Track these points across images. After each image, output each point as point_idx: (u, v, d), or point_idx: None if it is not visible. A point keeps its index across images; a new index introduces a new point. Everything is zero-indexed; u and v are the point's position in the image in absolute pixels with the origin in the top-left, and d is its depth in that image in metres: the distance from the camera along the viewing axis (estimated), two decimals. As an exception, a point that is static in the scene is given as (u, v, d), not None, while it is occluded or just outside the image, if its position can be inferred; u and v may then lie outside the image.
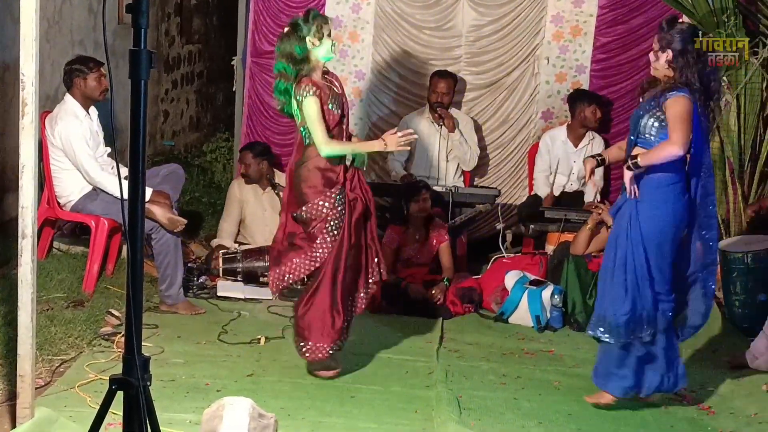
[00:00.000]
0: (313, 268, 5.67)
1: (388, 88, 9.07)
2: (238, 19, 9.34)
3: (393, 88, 9.05)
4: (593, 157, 5.74)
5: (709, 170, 5.45)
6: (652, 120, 5.32)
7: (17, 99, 4.38)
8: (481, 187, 8.80)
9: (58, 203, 7.08)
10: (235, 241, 8.17)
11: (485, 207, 8.32)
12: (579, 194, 8.58)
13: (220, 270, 7.60)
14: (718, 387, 5.99)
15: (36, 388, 4.82)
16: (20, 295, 4.49)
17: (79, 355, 5.81)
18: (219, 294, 7.37)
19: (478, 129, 8.92)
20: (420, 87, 8.86)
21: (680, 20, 5.49)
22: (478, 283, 7.65)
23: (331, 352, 5.68)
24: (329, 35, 5.62)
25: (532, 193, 8.64)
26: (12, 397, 4.84)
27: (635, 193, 5.35)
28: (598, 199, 8.23)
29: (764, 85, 8.08)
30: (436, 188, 8.11)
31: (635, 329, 5.35)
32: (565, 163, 8.54)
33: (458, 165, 8.67)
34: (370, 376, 5.86)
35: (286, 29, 5.68)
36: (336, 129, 5.65)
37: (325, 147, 5.51)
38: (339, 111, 5.64)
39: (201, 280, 7.58)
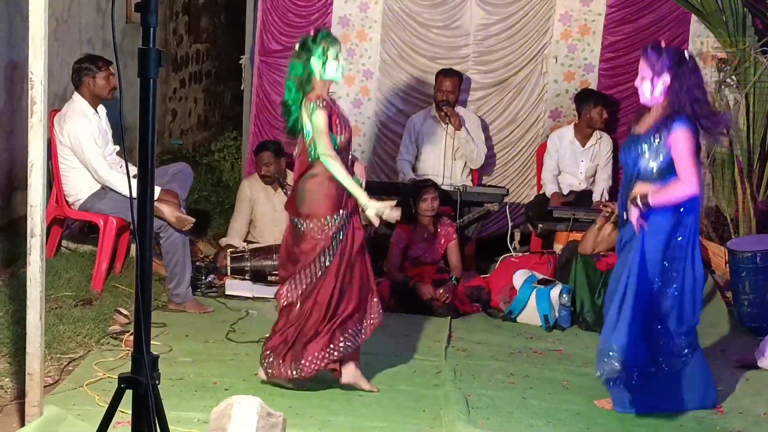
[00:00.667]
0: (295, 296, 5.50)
1: (395, 87, 9.07)
2: (246, 18, 9.36)
3: (401, 86, 9.06)
4: (637, 205, 5.37)
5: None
6: (654, 155, 5.23)
7: (26, 98, 4.38)
8: (489, 186, 8.79)
9: (67, 202, 7.09)
10: (244, 240, 8.17)
11: (493, 206, 8.32)
12: (587, 193, 8.57)
13: (228, 269, 7.60)
14: (727, 386, 5.98)
15: (44, 387, 4.83)
16: (29, 293, 4.49)
17: (88, 353, 5.82)
18: (227, 293, 7.38)
19: (485, 128, 8.92)
20: (427, 86, 8.86)
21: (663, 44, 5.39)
22: (487, 282, 7.65)
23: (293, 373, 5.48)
24: (336, 57, 5.46)
25: (540, 192, 8.64)
26: (21, 395, 4.85)
27: (643, 226, 5.26)
28: (606, 198, 8.23)
29: (773, 83, 8.07)
30: (444, 187, 8.10)
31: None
32: (572, 162, 8.54)
33: (465, 163, 8.66)
34: (378, 374, 5.86)
35: (296, 46, 5.54)
36: (341, 154, 5.46)
37: (328, 159, 5.36)
38: (345, 134, 5.48)
39: (209, 279, 7.59)
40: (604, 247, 7.42)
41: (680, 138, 5.15)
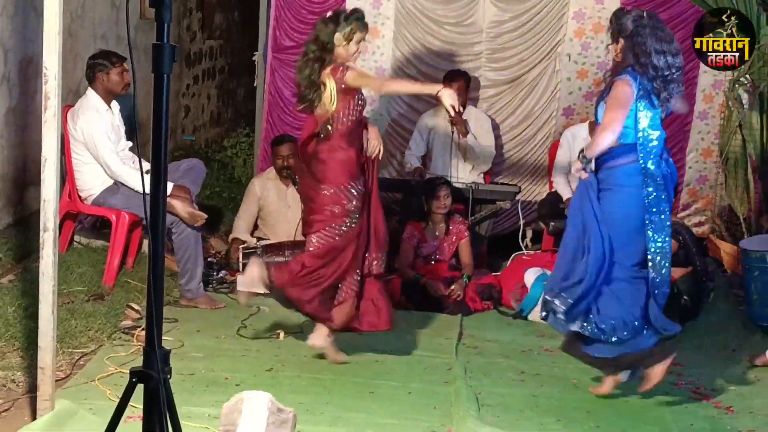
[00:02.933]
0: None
1: (408, 84, 9.06)
2: (260, 15, 9.36)
3: (413, 84, 9.05)
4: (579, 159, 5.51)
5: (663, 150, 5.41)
6: (601, 110, 5.37)
7: (40, 93, 4.40)
8: (502, 183, 8.79)
9: (80, 197, 7.10)
10: (254, 236, 8.17)
11: (505, 204, 8.32)
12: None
13: (240, 264, 7.61)
14: (738, 386, 5.97)
15: (56, 381, 4.84)
16: (41, 287, 4.51)
17: (99, 348, 5.83)
18: (238, 288, 7.37)
19: (495, 127, 8.91)
20: (439, 83, 8.84)
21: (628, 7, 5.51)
22: (498, 279, 7.66)
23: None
24: (358, 42, 5.69)
25: (553, 190, 8.63)
26: (33, 389, 4.86)
27: (584, 175, 5.35)
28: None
29: (787, 83, 8.06)
30: (456, 185, 8.10)
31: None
32: (586, 160, 8.52)
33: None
34: (389, 371, 5.86)
35: (329, 14, 5.79)
36: (359, 122, 5.75)
37: (388, 84, 5.93)
38: (363, 106, 5.77)
39: (221, 275, 7.61)
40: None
41: (615, 88, 5.27)
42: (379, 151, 5.83)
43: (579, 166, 5.37)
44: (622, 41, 5.34)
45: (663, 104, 5.32)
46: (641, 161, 5.28)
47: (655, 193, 5.29)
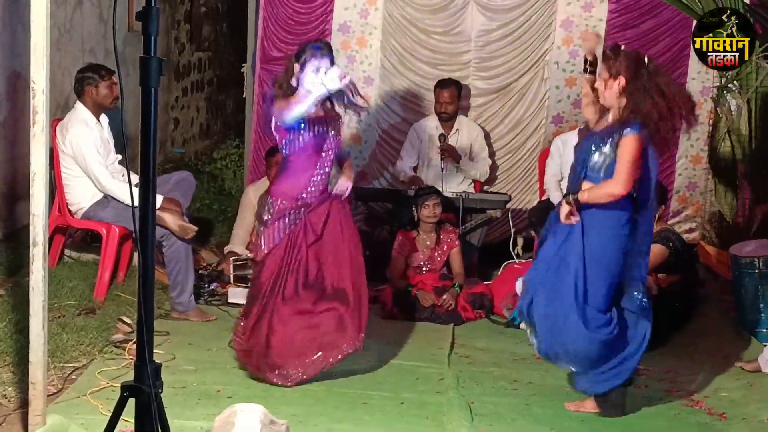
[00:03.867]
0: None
1: (396, 93, 9.08)
2: (248, 26, 9.38)
3: (401, 93, 9.06)
4: (568, 202, 5.40)
5: (653, 207, 5.44)
6: (602, 157, 5.25)
7: (28, 107, 4.39)
8: (492, 192, 8.80)
9: (69, 211, 7.09)
10: (247, 248, 8.17)
11: (496, 213, 8.32)
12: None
13: (231, 277, 7.60)
14: (731, 392, 5.98)
15: (48, 396, 4.83)
16: (32, 302, 4.49)
17: (91, 362, 5.81)
18: (230, 301, 7.37)
19: (487, 136, 8.92)
20: (428, 92, 8.87)
21: (623, 47, 5.39)
22: (489, 288, 7.65)
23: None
24: (316, 71, 5.64)
25: (543, 197, 8.64)
26: (24, 404, 4.84)
27: (575, 220, 5.30)
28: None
29: (775, 88, 8.07)
30: (446, 194, 8.10)
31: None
32: (576, 167, 8.53)
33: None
34: (381, 382, 5.85)
35: (294, 68, 5.88)
36: (309, 150, 5.77)
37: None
38: (311, 137, 5.75)
39: (212, 287, 7.59)
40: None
41: (627, 143, 5.15)
42: (345, 192, 5.88)
43: (568, 210, 5.30)
44: (624, 80, 5.22)
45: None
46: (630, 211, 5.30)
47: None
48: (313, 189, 5.79)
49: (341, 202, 5.89)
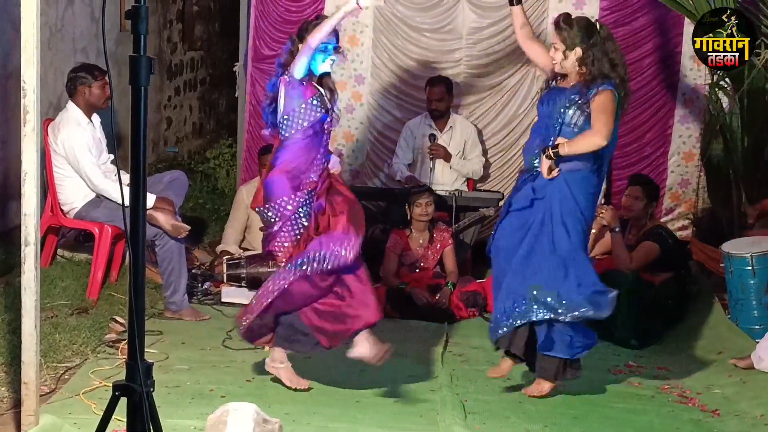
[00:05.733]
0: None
1: (388, 92, 9.07)
2: (240, 25, 9.37)
3: (393, 92, 9.06)
4: (548, 156, 5.49)
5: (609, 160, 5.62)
6: (578, 112, 5.39)
7: (20, 107, 4.38)
8: (485, 190, 8.80)
9: (62, 210, 7.08)
10: (240, 247, 8.17)
11: (489, 211, 8.32)
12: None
13: (224, 276, 7.58)
14: (724, 389, 5.99)
15: (41, 396, 4.82)
16: (24, 302, 4.49)
17: (84, 362, 5.81)
18: (223, 300, 7.37)
19: (480, 134, 8.92)
20: (420, 90, 8.85)
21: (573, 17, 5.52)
22: (483, 286, 7.64)
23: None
24: (324, 50, 5.49)
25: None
26: (17, 404, 4.84)
27: (556, 173, 5.42)
28: (602, 202, 8.22)
29: (767, 85, 8.07)
30: (439, 192, 8.10)
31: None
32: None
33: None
34: (374, 380, 5.85)
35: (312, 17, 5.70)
36: (316, 127, 5.46)
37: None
38: (321, 110, 5.46)
39: (205, 286, 7.58)
40: (600, 250, 7.43)
41: (604, 96, 5.34)
42: (339, 166, 5.71)
43: (548, 164, 5.41)
44: (580, 50, 5.37)
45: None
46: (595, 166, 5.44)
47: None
48: (319, 169, 5.50)
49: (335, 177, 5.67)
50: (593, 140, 5.32)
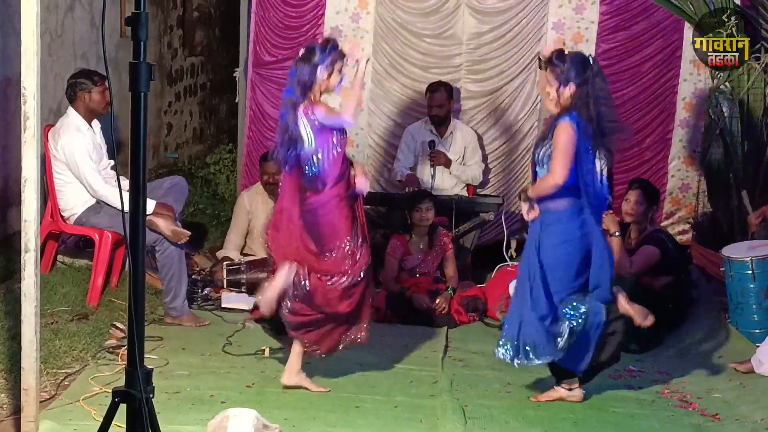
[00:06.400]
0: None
1: (388, 97, 9.08)
2: (240, 31, 9.38)
3: (393, 97, 9.07)
4: (523, 199, 5.62)
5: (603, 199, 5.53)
6: (544, 149, 5.43)
7: (20, 113, 4.38)
8: (485, 195, 8.80)
9: (62, 216, 7.08)
10: (242, 253, 8.17)
11: (489, 215, 8.33)
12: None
13: (224, 281, 7.60)
14: (724, 393, 5.99)
15: (40, 402, 4.82)
16: (23, 308, 4.49)
17: (84, 368, 5.80)
18: (223, 305, 7.37)
19: (480, 140, 8.92)
20: (421, 95, 8.87)
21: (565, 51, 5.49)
22: (483, 291, 7.65)
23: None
24: (340, 71, 5.50)
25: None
26: (17, 410, 4.83)
27: (535, 214, 5.46)
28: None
29: (767, 89, 8.08)
30: (439, 197, 8.09)
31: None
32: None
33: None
34: (374, 385, 5.85)
35: (301, 53, 5.54)
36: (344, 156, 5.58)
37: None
38: (344, 140, 5.59)
39: (205, 292, 7.59)
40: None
41: (559, 131, 5.34)
42: (367, 187, 5.73)
43: (526, 207, 5.48)
44: (574, 86, 5.34)
45: (597, 149, 5.41)
46: (581, 201, 5.41)
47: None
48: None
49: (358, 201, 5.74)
50: (549, 182, 5.35)
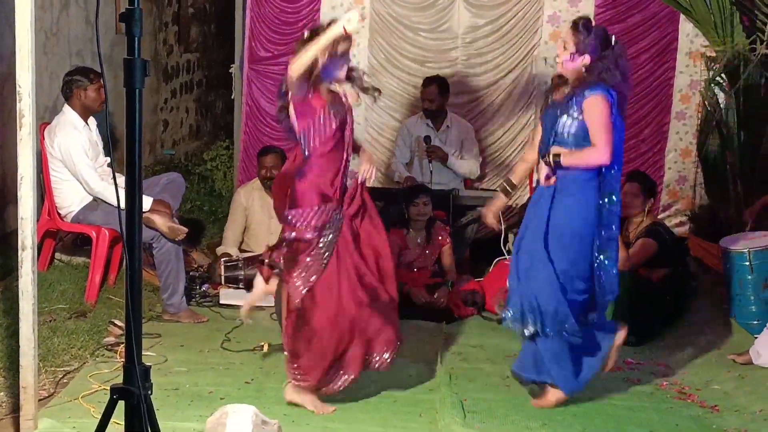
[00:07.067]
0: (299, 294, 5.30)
1: (384, 92, 9.04)
2: (236, 27, 9.37)
3: (389, 92, 9.07)
4: (503, 191, 5.59)
5: (620, 165, 5.39)
6: (570, 120, 5.26)
7: (16, 111, 4.38)
8: (482, 189, 8.80)
9: (59, 214, 7.08)
10: (240, 249, 8.16)
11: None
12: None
13: (222, 278, 7.60)
14: (723, 384, 5.99)
15: (39, 400, 4.83)
16: (21, 306, 4.49)
17: (83, 365, 5.81)
18: (221, 302, 7.37)
19: (477, 133, 8.92)
20: (417, 89, 8.87)
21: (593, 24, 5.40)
22: (481, 285, 7.64)
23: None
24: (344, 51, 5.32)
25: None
26: (15, 409, 4.84)
27: (552, 180, 5.32)
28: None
29: (763, 81, 8.09)
30: (436, 190, 8.09)
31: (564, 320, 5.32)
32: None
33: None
34: (373, 380, 5.82)
35: (305, 34, 5.39)
36: (336, 135, 5.27)
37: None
38: (336, 119, 5.26)
39: (203, 288, 7.58)
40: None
41: (594, 104, 5.18)
42: (371, 175, 5.45)
43: (547, 171, 5.34)
44: (588, 58, 5.25)
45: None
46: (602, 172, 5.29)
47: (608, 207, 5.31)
48: (343, 181, 5.34)
49: (366, 189, 5.48)
50: (596, 156, 5.17)
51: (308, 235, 5.22)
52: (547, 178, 5.34)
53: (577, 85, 5.28)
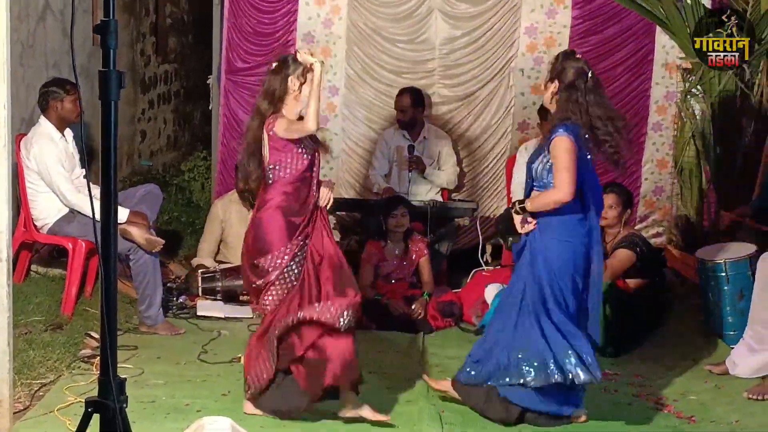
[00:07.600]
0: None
1: (362, 103, 9.08)
2: (213, 38, 9.37)
3: (367, 103, 9.06)
4: (516, 211, 5.51)
5: (600, 208, 5.47)
6: (541, 165, 5.32)
7: (-10, 123, 4.37)
8: (459, 200, 8.81)
9: (35, 226, 7.05)
10: (216, 260, 8.14)
11: (464, 221, 8.33)
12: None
13: (200, 289, 7.57)
14: (700, 395, 6.01)
15: (15, 413, 4.81)
16: (-4, 319, 4.47)
17: (59, 378, 5.78)
18: (199, 313, 7.35)
19: (454, 144, 8.92)
20: (394, 101, 8.85)
21: (578, 55, 5.40)
22: (458, 296, 7.65)
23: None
24: (311, 81, 5.31)
25: (511, 205, 8.64)
26: (-10, 422, 4.81)
27: (532, 227, 5.34)
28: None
29: (738, 92, 8.13)
30: (414, 203, 8.10)
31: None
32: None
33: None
34: (351, 392, 5.83)
35: (273, 65, 5.41)
36: (304, 174, 5.34)
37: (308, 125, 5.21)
38: (308, 157, 5.35)
39: (180, 300, 7.56)
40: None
41: (557, 145, 5.21)
42: (329, 201, 5.42)
43: (520, 218, 5.37)
44: (556, 84, 5.28)
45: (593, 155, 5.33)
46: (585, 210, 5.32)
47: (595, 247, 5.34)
48: (308, 210, 5.36)
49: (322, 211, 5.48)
50: (554, 197, 5.21)
51: (275, 275, 5.26)
52: (522, 225, 5.37)
53: (553, 119, 5.32)
